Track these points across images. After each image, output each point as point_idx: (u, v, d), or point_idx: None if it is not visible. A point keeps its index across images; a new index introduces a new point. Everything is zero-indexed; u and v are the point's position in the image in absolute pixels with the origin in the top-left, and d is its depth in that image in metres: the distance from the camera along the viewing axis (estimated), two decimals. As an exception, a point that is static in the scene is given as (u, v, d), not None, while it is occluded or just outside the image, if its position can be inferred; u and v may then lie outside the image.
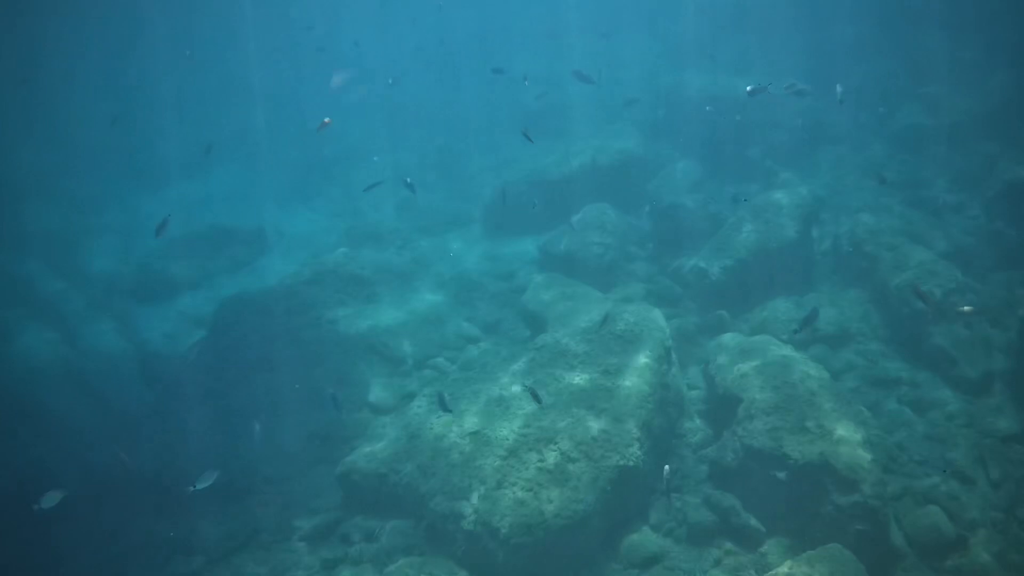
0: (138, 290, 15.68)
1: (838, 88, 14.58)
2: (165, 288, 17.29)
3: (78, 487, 10.27)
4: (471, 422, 12.28)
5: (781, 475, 11.19)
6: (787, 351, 13.46)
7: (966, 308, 13.69)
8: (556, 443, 11.50)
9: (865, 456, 11.04)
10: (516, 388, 12.88)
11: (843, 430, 11.37)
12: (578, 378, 12.80)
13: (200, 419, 12.63)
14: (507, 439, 11.72)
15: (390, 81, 22.53)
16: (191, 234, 19.60)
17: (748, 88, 14.09)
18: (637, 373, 12.84)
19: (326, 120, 13.30)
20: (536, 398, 11.30)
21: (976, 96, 21.23)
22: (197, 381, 13.67)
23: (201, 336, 15.65)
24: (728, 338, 14.33)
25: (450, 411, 12.14)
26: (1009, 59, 21.72)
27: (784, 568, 9.74)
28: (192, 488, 10.30)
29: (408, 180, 14.38)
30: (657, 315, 14.87)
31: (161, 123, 25.61)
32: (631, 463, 11.52)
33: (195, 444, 12.20)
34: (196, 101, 26.26)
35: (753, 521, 11.34)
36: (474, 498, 11.01)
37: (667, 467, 11.40)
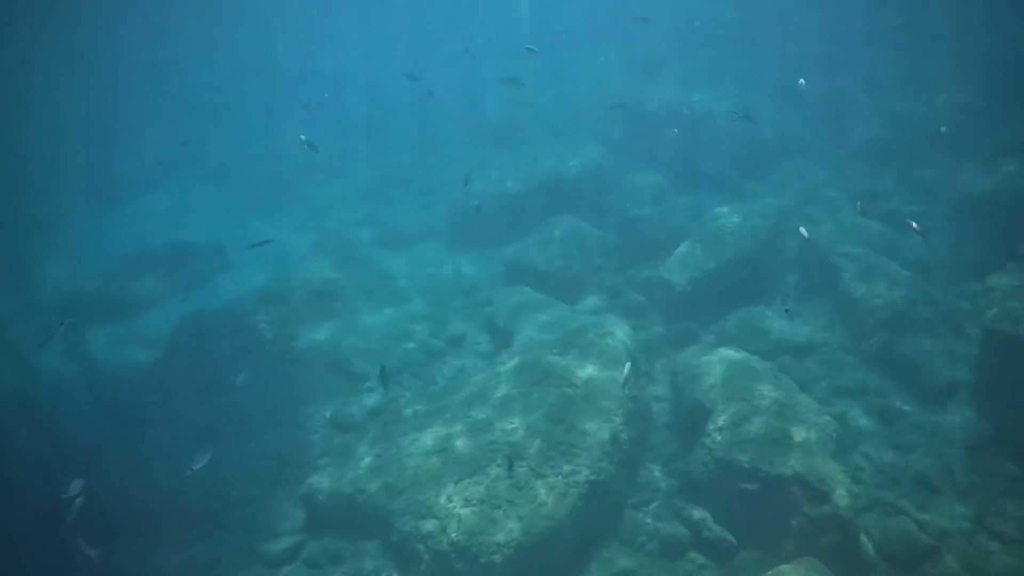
0: (93, 311, 15.05)
1: (800, 82, 14.65)
2: (121, 308, 16.63)
3: (27, 519, 9.79)
4: (437, 439, 12.04)
5: (752, 487, 11.13)
6: (754, 362, 13.45)
7: (873, 340, 13.97)
8: (525, 459, 11.32)
9: (835, 467, 11.06)
10: (483, 404, 12.70)
11: (812, 441, 11.36)
12: (548, 394, 12.62)
13: (158, 443, 12.16)
14: (475, 456, 11.50)
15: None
16: (149, 251, 18.96)
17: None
18: (605, 388, 12.72)
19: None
20: (510, 465, 11.02)
21: (932, 110, 21.62)
22: (154, 404, 13.20)
23: (158, 357, 15.14)
24: (695, 349, 14.30)
25: (387, 387, 11.77)
26: (962, 75, 22.22)
27: (758, 582, 9.67)
28: (191, 470, 9.91)
29: (303, 137, 13.83)
30: (624, 327, 14.81)
31: (121, 138, 24.94)
32: (601, 478, 11.39)
33: (153, 469, 11.72)
34: (159, 116, 25.67)
35: (725, 534, 11.26)
36: (441, 517, 10.76)
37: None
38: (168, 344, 15.36)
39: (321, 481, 12.11)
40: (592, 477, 11.26)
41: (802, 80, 14.78)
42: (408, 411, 13.35)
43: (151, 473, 11.66)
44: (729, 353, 13.64)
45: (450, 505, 10.86)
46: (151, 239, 19.75)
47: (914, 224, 9.91)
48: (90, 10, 26.54)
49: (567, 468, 11.22)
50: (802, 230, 14.15)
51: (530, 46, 16.29)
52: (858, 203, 10.68)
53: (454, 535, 10.47)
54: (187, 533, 11.61)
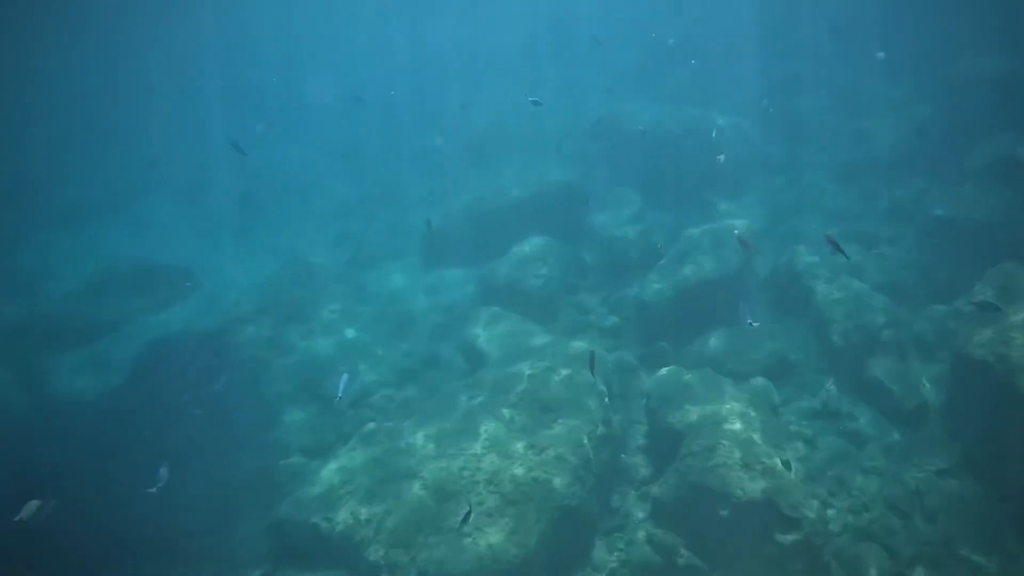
0: (49, 337, 14.49)
1: (764, 102, 14.78)
2: (80, 333, 15.99)
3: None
4: (408, 464, 11.91)
5: (724, 513, 11.09)
6: (727, 385, 13.46)
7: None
8: (496, 485, 11.22)
9: (806, 493, 11.06)
10: (454, 428, 12.61)
11: (784, 466, 11.36)
12: (520, 417, 12.55)
13: (115, 473, 11.81)
14: (444, 481, 11.39)
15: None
16: (111, 273, 18.40)
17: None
18: (579, 410, 12.66)
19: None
20: (465, 518, 10.54)
21: (904, 132, 21.87)
22: (112, 432, 12.81)
23: (119, 382, 14.74)
24: (669, 371, 14.26)
25: (344, 396, 11.55)
26: (932, 96, 22.56)
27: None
28: (155, 488, 9.69)
29: (233, 140, 13.66)
30: (599, 351, 14.74)
31: (81, 156, 24.44)
32: (573, 503, 11.31)
33: (109, 500, 11.39)
34: (120, 132, 25.17)
35: (696, 560, 11.22)
36: (411, 546, 10.62)
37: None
38: (131, 369, 14.91)
39: (287, 509, 11.89)
40: (564, 503, 11.18)
41: (766, 100, 14.98)
42: (379, 435, 13.18)
43: (107, 504, 11.30)
44: (703, 376, 13.64)
45: (419, 534, 10.72)
46: (115, 261, 19.16)
47: (835, 241, 9.89)
48: (56, 27, 26.23)
49: (539, 494, 11.13)
50: (736, 231, 14.15)
51: (534, 98, 16.41)
52: (828, 241, 10.66)
53: (424, 565, 10.34)
54: (144, 567, 11.25)
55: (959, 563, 10.93)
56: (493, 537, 10.50)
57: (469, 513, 10.54)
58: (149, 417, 12.85)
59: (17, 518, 9.04)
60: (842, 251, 9.89)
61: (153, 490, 9.87)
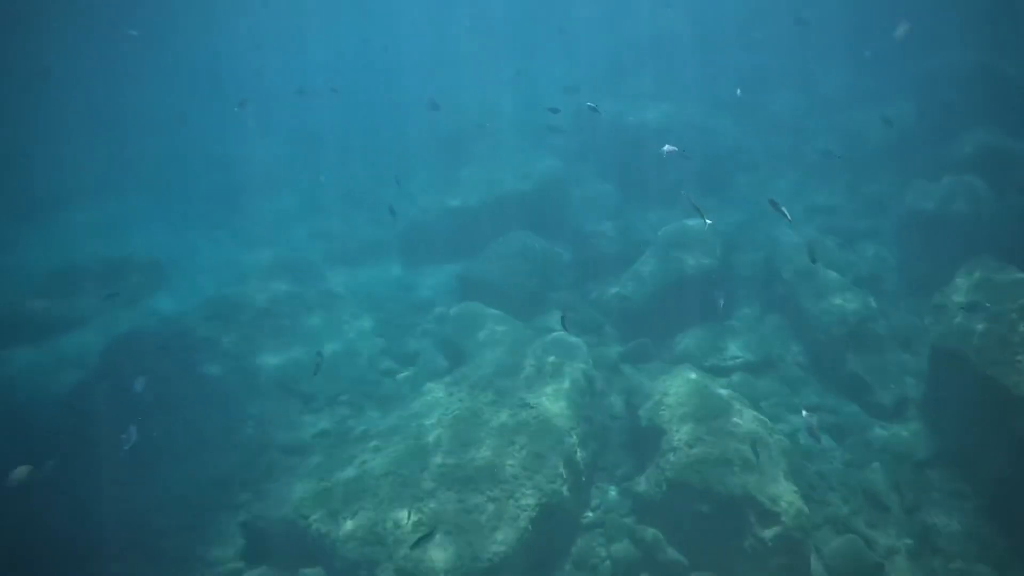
0: (8, 332, 14.04)
1: (738, 92, 14.76)
2: (42, 328, 15.51)
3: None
4: (386, 462, 11.75)
5: (704, 508, 11.03)
6: (708, 381, 13.40)
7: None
8: (476, 482, 11.09)
9: (787, 487, 10.99)
10: (433, 423, 12.47)
11: (765, 461, 11.30)
12: (501, 413, 12.42)
13: (78, 471, 11.48)
14: (424, 479, 11.24)
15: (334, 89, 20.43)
16: (77, 267, 17.96)
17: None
18: (560, 406, 12.56)
19: None
20: (427, 538, 10.18)
21: (881, 126, 21.98)
22: (77, 429, 12.48)
23: (83, 379, 14.36)
24: (650, 367, 14.22)
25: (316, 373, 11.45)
26: (909, 90, 22.69)
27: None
28: (124, 450, 9.72)
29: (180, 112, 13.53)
30: (579, 345, 14.68)
31: (45, 149, 23.92)
32: (554, 500, 11.20)
33: (73, 499, 11.08)
34: (89, 127, 24.63)
35: (677, 556, 11.14)
36: (387, 543, 10.46)
37: None
38: (96, 365, 14.52)
39: (262, 506, 11.71)
40: (544, 500, 11.07)
41: (739, 91, 14.98)
42: (357, 432, 13.03)
43: (69, 503, 10.98)
44: (684, 372, 13.57)
45: (397, 531, 10.58)
46: (81, 255, 18.65)
47: (778, 205, 9.81)
48: (24, 14, 25.68)
49: (519, 492, 11.01)
50: (682, 192, 14.05)
51: (553, 107, 16.29)
52: (772, 206, 10.46)
53: (402, 563, 10.19)
54: (110, 566, 10.96)
55: (935, 554, 10.95)
56: (473, 535, 10.36)
57: (427, 536, 10.17)
58: (115, 415, 12.52)
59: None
60: (784, 213, 9.87)
61: (125, 448, 9.62)
